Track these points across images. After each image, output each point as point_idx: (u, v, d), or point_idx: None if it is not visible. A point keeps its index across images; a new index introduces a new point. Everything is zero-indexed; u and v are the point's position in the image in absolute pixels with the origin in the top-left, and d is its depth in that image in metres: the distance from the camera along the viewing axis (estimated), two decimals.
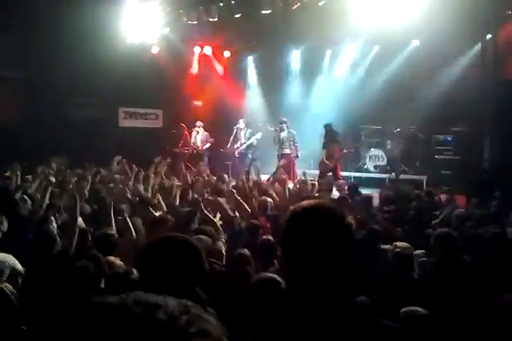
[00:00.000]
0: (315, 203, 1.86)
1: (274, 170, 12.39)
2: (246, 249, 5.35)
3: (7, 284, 3.61)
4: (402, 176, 14.09)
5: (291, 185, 10.69)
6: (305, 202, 1.87)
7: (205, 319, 0.82)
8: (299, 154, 14.53)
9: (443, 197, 9.84)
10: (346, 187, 10.81)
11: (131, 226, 6.12)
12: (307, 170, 12.24)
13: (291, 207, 1.88)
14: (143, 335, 0.76)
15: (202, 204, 7.04)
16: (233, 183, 11.02)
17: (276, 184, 10.14)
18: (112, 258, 4.91)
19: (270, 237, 6.01)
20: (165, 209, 7.86)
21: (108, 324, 0.77)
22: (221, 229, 6.55)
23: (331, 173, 13.82)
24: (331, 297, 1.70)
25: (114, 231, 5.89)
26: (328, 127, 13.88)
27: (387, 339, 1.70)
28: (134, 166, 11.12)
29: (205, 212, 6.88)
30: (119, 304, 0.81)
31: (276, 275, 4.15)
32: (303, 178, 10.98)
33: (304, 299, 1.73)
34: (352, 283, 1.77)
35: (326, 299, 1.70)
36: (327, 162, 13.66)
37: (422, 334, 3.44)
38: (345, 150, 14.46)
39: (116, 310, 0.79)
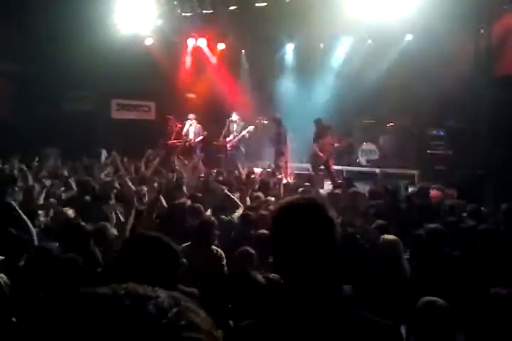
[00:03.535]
0: (301, 197, 1.90)
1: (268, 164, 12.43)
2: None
3: (2, 275, 3.60)
4: (395, 171, 14.12)
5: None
6: (292, 197, 1.91)
7: (195, 312, 0.81)
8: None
9: (434, 192, 9.87)
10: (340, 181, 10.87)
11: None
12: (300, 164, 12.29)
13: (279, 202, 1.92)
14: (132, 327, 0.75)
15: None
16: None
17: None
18: None
19: (266, 232, 6.02)
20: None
21: (97, 315, 0.76)
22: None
23: (323, 166, 13.87)
24: (317, 290, 1.73)
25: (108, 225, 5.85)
26: (318, 122, 13.90)
27: (368, 333, 1.73)
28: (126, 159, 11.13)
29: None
30: (109, 295, 0.80)
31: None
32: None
33: (289, 293, 1.77)
34: (339, 277, 1.81)
35: (311, 293, 1.73)
36: (321, 154, 13.68)
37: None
38: (336, 144, 14.47)
39: (107, 300, 0.79)
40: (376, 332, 1.75)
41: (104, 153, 11.79)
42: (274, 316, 1.80)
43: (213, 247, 5.65)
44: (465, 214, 7.63)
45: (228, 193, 8.06)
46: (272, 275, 4.28)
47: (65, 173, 9.98)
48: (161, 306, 0.78)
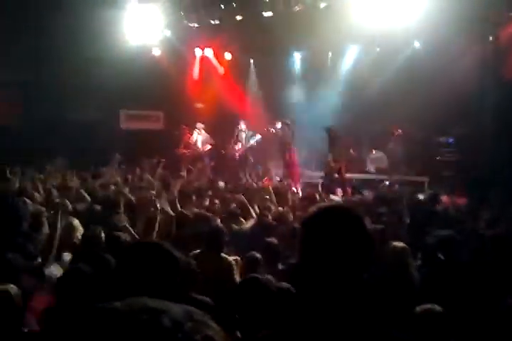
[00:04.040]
0: (335, 204, 1.84)
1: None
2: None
3: (12, 285, 3.60)
4: (404, 177, 14.08)
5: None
6: (323, 204, 1.90)
7: (209, 325, 0.82)
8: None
9: (445, 198, 9.85)
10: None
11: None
12: (310, 173, 12.29)
13: (311, 208, 1.85)
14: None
15: None
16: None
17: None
18: None
19: (274, 240, 6.02)
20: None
21: (114, 330, 0.77)
22: None
23: (336, 175, 13.77)
24: (346, 303, 1.66)
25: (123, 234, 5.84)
26: (328, 130, 13.85)
27: None
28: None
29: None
30: (125, 310, 0.80)
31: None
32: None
33: (316, 303, 1.70)
34: (369, 289, 1.76)
35: (339, 305, 1.66)
36: (333, 164, 13.60)
37: None
38: (351, 151, 14.45)
39: (123, 315, 0.79)
40: None
41: (118, 159, 11.84)
42: (296, 327, 1.70)
43: (223, 255, 5.65)
44: (475, 220, 7.59)
45: (244, 201, 8.07)
46: (280, 284, 4.28)
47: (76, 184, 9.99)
48: (176, 320, 0.79)
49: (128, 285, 2.14)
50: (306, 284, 1.78)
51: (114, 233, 5.65)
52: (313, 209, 1.82)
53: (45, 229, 5.84)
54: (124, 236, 5.53)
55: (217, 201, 8.98)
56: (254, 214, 7.89)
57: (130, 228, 6.40)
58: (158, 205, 6.80)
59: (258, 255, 5.19)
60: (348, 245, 1.68)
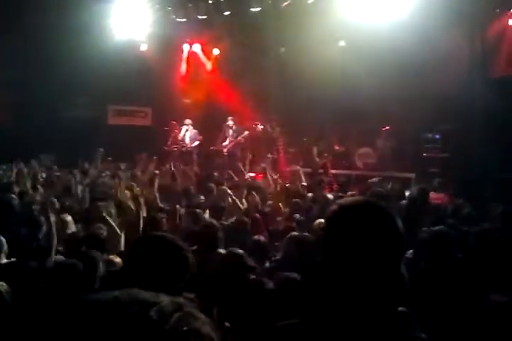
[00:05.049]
0: (365, 200, 1.73)
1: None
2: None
3: (2, 283, 3.61)
4: (391, 174, 14.12)
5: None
6: (351, 198, 1.78)
7: (197, 317, 0.83)
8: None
9: (431, 194, 9.89)
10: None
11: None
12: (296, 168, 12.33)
13: (338, 202, 1.72)
14: (134, 334, 0.76)
15: None
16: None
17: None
18: (111, 256, 4.91)
19: (262, 237, 6.02)
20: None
21: (100, 321, 0.78)
22: None
23: (322, 170, 13.84)
24: (370, 302, 1.57)
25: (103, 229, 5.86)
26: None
27: None
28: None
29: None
30: (112, 301, 0.81)
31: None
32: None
33: (340, 301, 1.61)
34: (397, 291, 1.63)
35: (363, 303, 1.57)
36: (317, 159, 13.69)
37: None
38: (336, 147, 14.48)
39: (110, 307, 0.80)
40: None
41: (101, 153, 11.78)
42: (317, 321, 1.64)
43: (220, 251, 5.60)
44: (462, 216, 7.65)
45: (230, 193, 8.09)
46: (266, 281, 4.30)
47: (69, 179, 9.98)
48: (163, 312, 0.80)
49: (137, 280, 2.13)
50: (332, 285, 1.65)
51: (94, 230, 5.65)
52: (338, 205, 1.69)
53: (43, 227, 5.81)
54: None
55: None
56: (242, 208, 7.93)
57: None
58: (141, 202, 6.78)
59: (239, 250, 5.15)
60: (379, 246, 1.57)
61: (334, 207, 1.69)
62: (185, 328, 0.79)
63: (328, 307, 1.63)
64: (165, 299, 0.84)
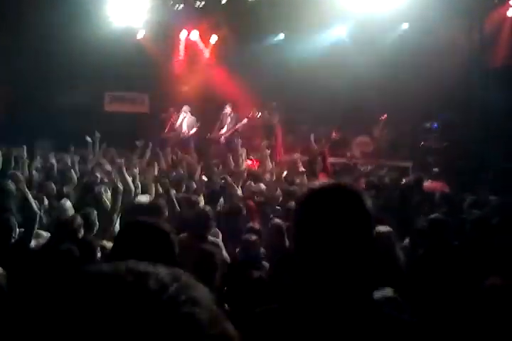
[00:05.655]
0: (336, 182, 1.74)
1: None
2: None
3: None
4: (388, 163, 14.14)
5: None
6: (323, 182, 1.76)
7: (195, 287, 0.83)
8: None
9: (428, 183, 9.92)
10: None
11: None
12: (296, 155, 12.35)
13: (309, 186, 1.75)
14: (133, 303, 0.76)
15: None
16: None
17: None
18: (104, 241, 4.91)
19: (256, 224, 6.05)
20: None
21: (98, 291, 0.77)
22: None
23: (319, 158, 13.83)
24: (344, 282, 1.59)
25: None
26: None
27: (398, 334, 1.60)
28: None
29: None
30: (110, 272, 0.81)
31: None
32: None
33: (314, 284, 1.63)
34: (372, 274, 1.63)
35: (337, 284, 1.59)
36: (315, 147, 13.68)
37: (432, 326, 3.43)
38: (334, 134, 14.49)
39: (108, 277, 0.80)
40: (403, 332, 1.60)
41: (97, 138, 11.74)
42: (294, 305, 1.66)
43: (210, 238, 5.64)
44: (459, 205, 7.67)
45: (229, 180, 8.12)
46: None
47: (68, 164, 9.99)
48: (161, 282, 0.80)
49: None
50: (305, 267, 1.67)
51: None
52: (309, 187, 1.73)
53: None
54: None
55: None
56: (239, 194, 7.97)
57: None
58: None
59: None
60: (347, 225, 1.59)
61: (304, 190, 1.73)
62: (183, 297, 0.79)
63: (303, 290, 1.66)
64: (163, 270, 0.83)
